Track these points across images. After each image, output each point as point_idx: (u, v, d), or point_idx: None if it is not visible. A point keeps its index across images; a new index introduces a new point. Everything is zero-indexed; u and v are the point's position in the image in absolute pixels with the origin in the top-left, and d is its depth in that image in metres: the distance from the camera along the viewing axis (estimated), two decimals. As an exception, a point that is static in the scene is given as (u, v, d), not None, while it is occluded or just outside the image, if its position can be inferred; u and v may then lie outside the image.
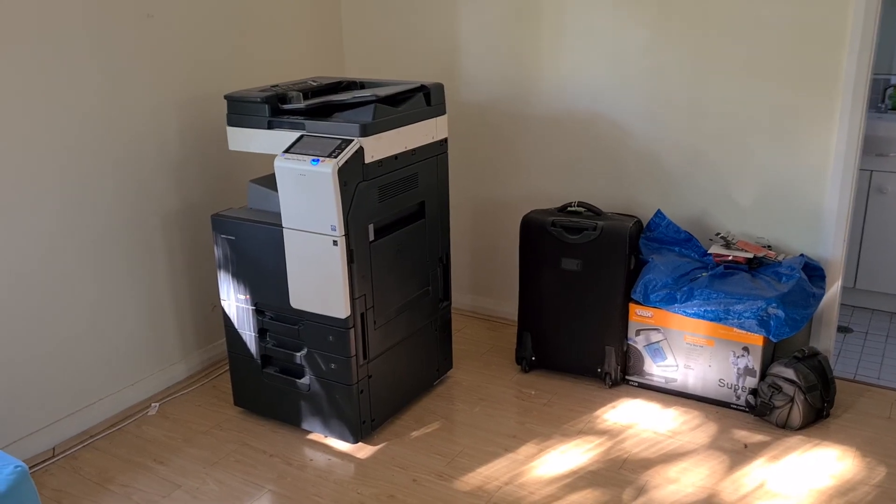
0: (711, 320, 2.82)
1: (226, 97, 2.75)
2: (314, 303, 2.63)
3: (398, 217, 2.78)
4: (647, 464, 2.64)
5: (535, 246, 3.12)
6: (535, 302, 3.18)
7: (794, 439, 2.75)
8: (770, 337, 2.74)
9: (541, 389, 3.14)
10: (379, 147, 2.57)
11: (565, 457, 2.69)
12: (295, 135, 2.60)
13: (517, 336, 3.27)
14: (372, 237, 2.62)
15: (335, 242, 2.50)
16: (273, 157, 2.59)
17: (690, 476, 2.57)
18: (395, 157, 2.67)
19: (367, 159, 2.53)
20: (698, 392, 2.99)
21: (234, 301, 2.83)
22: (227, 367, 3.30)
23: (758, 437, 2.77)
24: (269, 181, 2.83)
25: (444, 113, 2.89)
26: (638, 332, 3.05)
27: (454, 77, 3.53)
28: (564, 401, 3.05)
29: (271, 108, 2.67)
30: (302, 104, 2.68)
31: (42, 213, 2.65)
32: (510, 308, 3.62)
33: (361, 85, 2.99)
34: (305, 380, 2.77)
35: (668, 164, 3.18)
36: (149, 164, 2.99)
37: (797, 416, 2.77)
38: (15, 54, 2.49)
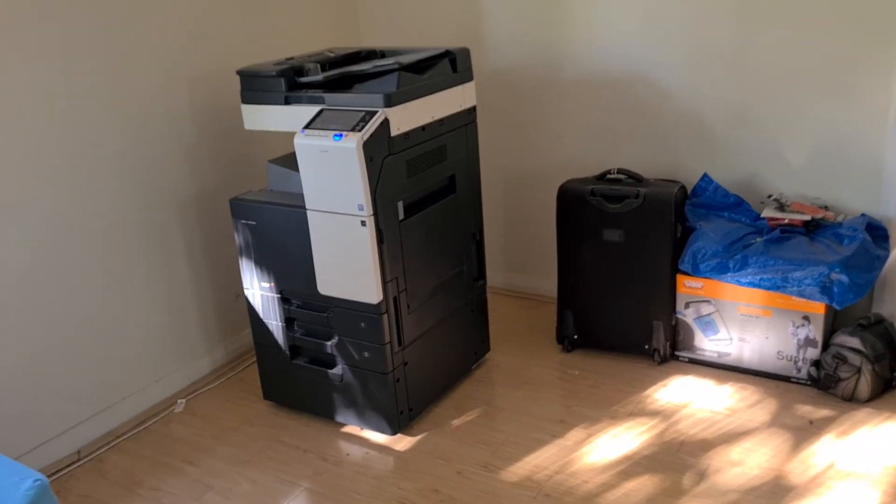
0: (768, 289, 2.63)
1: (238, 73, 2.58)
2: (343, 288, 2.47)
3: (428, 193, 2.61)
4: (706, 445, 2.47)
5: (573, 217, 2.93)
6: (575, 277, 2.99)
7: (863, 413, 2.56)
8: (833, 304, 2.54)
9: (585, 369, 2.96)
10: (405, 118, 2.39)
11: (617, 441, 2.52)
12: (314, 109, 2.42)
13: (557, 314, 3.09)
14: (402, 215, 2.45)
15: (363, 223, 2.33)
16: (292, 134, 2.42)
17: (754, 457, 2.39)
18: (423, 128, 2.48)
19: (394, 132, 2.35)
20: (754, 366, 2.80)
21: (257, 289, 2.68)
22: (254, 360, 3.15)
23: (823, 412, 2.58)
24: (290, 161, 2.66)
25: (471, 79, 2.70)
26: (687, 305, 2.86)
27: (479, 42, 3.32)
28: (611, 381, 2.87)
29: (287, 82, 2.50)
30: (320, 76, 2.50)
31: (50, 206, 2.50)
32: (546, 284, 3.44)
33: (382, 54, 2.80)
34: (337, 370, 2.61)
35: (712, 123, 2.97)
36: (161, 148, 2.82)
37: (865, 387, 2.58)
38: (12, 32, 2.33)
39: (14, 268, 2.41)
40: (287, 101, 2.50)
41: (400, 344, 2.53)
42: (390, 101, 2.32)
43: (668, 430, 2.56)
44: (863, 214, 2.74)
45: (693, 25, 2.89)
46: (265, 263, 2.61)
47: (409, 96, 2.39)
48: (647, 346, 2.93)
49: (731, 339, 2.81)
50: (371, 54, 2.81)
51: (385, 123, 2.31)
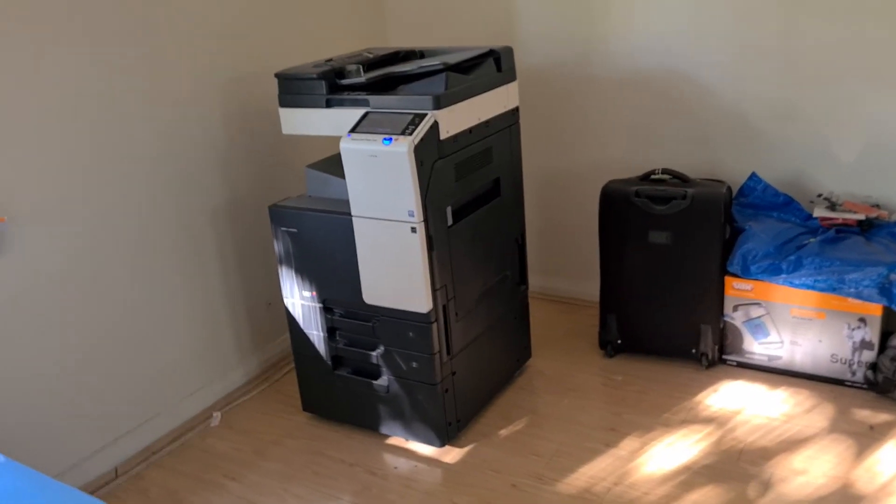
0: (823, 291, 2.56)
1: (277, 75, 2.49)
2: (391, 297, 2.39)
3: (474, 197, 2.53)
4: (767, 453, 2.40)
5: (617, 219, 2.85)
6: (619, 281, 2.92)
7: (924, 417, 2.50)
8: (892, 306, 2.47)
9: (630, 375, 2.89)
10: (453, 120, 2.31)
11: (673, 450, 2.45)
12: (358, 112, 2.34)
13: (600, 318, 3.02)
14: (450, 221, 2.37)
15: (413, 229, 2.25)
16: (330, 138, 2.35)
17: (818, 465, 2.32)
18: (470, 130, 2.41)
19: (443, 135, 2.27)
20: (807, 370, 2.73)
21: (298, 299, 2.59)
22: (288, 370, 3.09)
23: (883, 417, 2.51)
24: (329, 165, 2.58)
25: (514, 79, 2.63)
26: (736, 308, 2.79)
27: (511, 40, 3.24)
28: (659, 386, 2.80)
29: (328, 84, 2.42)
30: (362, 78, 2.42)
31: (81, 216, 2.41)
32: (583, 288, 3.37)
33: (421, 54, 2.72)
34: (383, 380, 2.53)
35: (756, 121, 2.89)
36: (194, 154, 2.74)
37: (926, 391, 2.51)
38: (43, 39, 2.24)
39: (49, 279, 2.33)
40: (328, 105, 2.41)
41: (449, 353, 2.45)
42: (439, 103, 2.24)
43: (725, 437, 2.49)
44: (920, 213, 2.67)
45: (738, 19, 2.82)
46: (306, 272, 2.53)
47: (457, 98, 2.32)
48: (693, 351, 2.86)
49: (782, 343, 2.74)
50: (410, 55, 2.73)
51: (434, 126, 2.23)
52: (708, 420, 2.58)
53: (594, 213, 3.12)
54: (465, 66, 2.42)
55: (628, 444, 2.50)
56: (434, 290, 2.34)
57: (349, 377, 2.60)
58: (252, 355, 3.07)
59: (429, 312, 2.35)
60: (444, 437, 2.51)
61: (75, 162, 2.37)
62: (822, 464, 2.33)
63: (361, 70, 2.45)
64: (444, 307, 2.39)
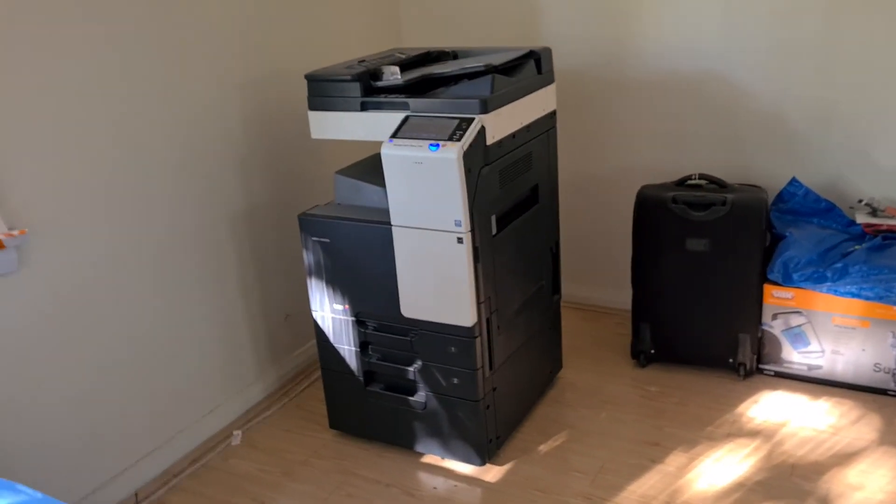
0: (871, 300, 2.50)
1: (307, 77, 2.36)
2: (432, 310, 2.28)
3: (514, 204, 2.42)
4: (820, 468, 2.32)
5: (653, 226, 2.77)
6: (654, 289, 2.83)
7: (973, 427, 2.45)
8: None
9: (665, 385, 2.81)
10: (499, 125, 2.21)
11: (723, 465, 2.37)
12: (397, 116, 2.22)
13: (633, 328, 2.93)
14: (495, 230, 2.26)
15: (459, 240, 2.14)
16: (355, 143, 2.26)
17: (873, 480, 2.26)
18: (513, 135, 2.30)
19: (489, 140, 2.16)
20: (848, 379, 2.67)
21: (328, 311, 2.47)
22: (308, 384, 2.97)
23: (932, 428, 2.46)
24: (359, 171, 2.47)
25: (553, 81, 2.53)
26: (775, 316, 2.72)
27: (537, 41, 3.14)
28: (698, 398, 2.72)
29: (363, 86, 2.29)
30: (400, 79, 2.30)
31: (103, 227, 2.27)
32: (608, 295, 3.28)
33: (454, 55, 2.61)
34: (420, 397, 2.42)
35: (793, 124, 2.82)
36: (214, 161, 2.60)
37: (975, 401, 2.46)
38: (63, 45, 2.09)
39: (69, 295, 2.18)
40: (363, 108, 2.29)
41: (491, 368, 2.35)
42: (486, 107, 2.13)
43: (774, 451, 2.41)
44: (965, 219, 2.62)
45: (774, 18, 2.74)
46: (339, 284, 2.41)
47: (502, 101, 2.21)
48: (731, 360, 2.78)
49: (822, 352, 2.68)
50: (442, 55, 2.62)
51: (482, 131, 2.12)
52: (753, 433, 2.51)
53: (622, 219, 3.04)
54: (508, 68, 2.31)
55: (674, 459, 2.41)
56: (478, 303, 2.23)
57: (382, 393, 2.48)
58: (270, 369, 2.94)
59: (473, 326, 2.24)
60: (485, 455, 2.40)
61: (97, 171, 2.22)
62: (877, 478, 2.26)
63: (399, 71, 2.33)
64: (488, 320, 2.29)
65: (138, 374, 2.41)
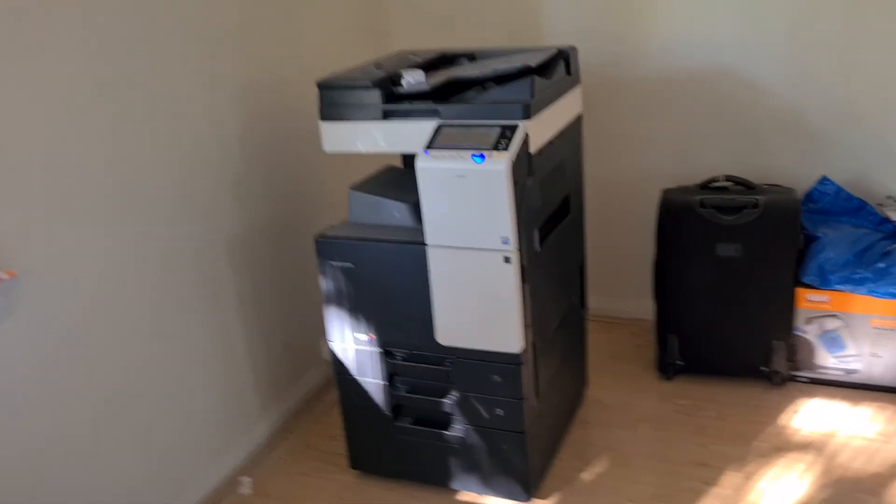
0: (915, 300, 2.41)
1: (320, 85, 2.13)
2: (473, 336, 2.07)
3: (548, 217, 2.24)
4: (881, 481, 2.22)
5: (680, 231, 2.62)
6: (682, 298, 2.69)
7: None
8: None
9: (698, 399, 2.67)
10: (540, 131, 2.03)
11: (782, 484, 2.23)
12: (425, 125, 2.01)
13: (658, 340, 2.78)
14: (538, 246, 2.07)
15: (507, 259, 1.95)
16: (362, 156, 2.10)
17: (939, 490, 2.16)
18: (551, 142, 2.12)
19: (532, 148, 1.97)
20: (887, 382, 2.58)
21: (350, 342, 2.24)
22: (313, 419, 2.72)
23: (982, 429, 2.38)
24: (376, 186, 2.26)
25: (579, 82, 2.36)
26: (809, 321, 2.61)
27: (538, 40, 2.97)
28: (735, 410, 2.59)
29: (385, 93, 2.07)
30: (426, 84, 2.09)
31: (96, 265, 1.99)
32: (622, 305, 3.13)
33: (472, 56, 2.41)
34: (456, 430, 2.21)
35: (815, 121, 2.72)
36: (211, 181, 2.34)
37: None
38: (49, 63, 1.81)
39: (60, 341, 1.90)
40: (386, 116, 2.07)
41: (537, 396, 2.16)
42: (529, 112, 1.94)
43: (831, 465, 2.29)
44: None
45: (794, 13, 2.64)
46: (363, 312, 2.18)
47: (542, 105, 2.03)
48: (764, 368, 2.67)
49: (860, 355, 2.58)
50: (456, 58, 2.41)
51: (526, 139, 1.93)
52: (804, 446, 2.38)
53: (637, 225, 2.92)
54: (542, 70, 2.13)
55: (729, 480, 2.27)
56: (525, 328, 2.04)
57: (412, 428, 2.27)
58: (272, 406, 2.68)
59: (520, 353, 2.04)
60: (529, 489, 2.21)
61: (90, 205, 1.94)
62: (943, 488, 2.17)
63: (423, 76, 2.11)
64: (534, 345, 2.10)
65: (136, 421, 2.13)
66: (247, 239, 2.49)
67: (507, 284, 1.97)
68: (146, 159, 2.09)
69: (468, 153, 1.90)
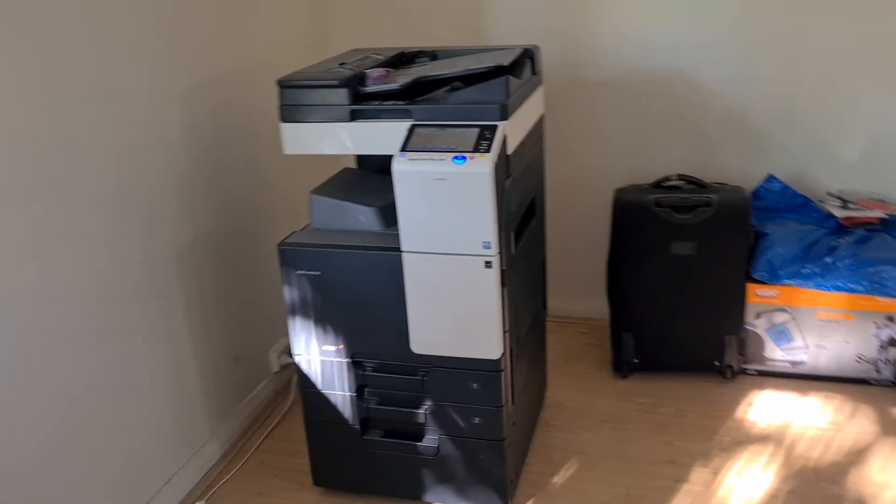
0: (859, 292, 2.51)
1: (280, 83, 2.01)
2: (450, 344, 2.01)
3: (520, 219, 2.19)
4: (840, 469, 2.29)
5: (636, 231, 2.64)
6: (637, 297, 2.71)
7: (959, 409, 2.51)
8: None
9: (655, 396, 2.70)
10: (515, 132, 1.98)
11: (747, 478, 2.28)
12: (396, 126, 1.93)
13: (613, 339, 2.80)
14: (514, 248, 2.03)
15: (488, 263, 1.89)
16: (317, 158, 2.04)
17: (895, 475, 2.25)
18: (522, 142, 2.08)
19: (509, 149, 1.93)
20: (831, 372, 2.68)
21: (316, 355, 2.13)
22: (265, 435, 2.59)
23: (923, 414, 2.51)
24: (338, 190, 2.17)
25: (542, 82, 2.33)
26: (758, 315, 2.68)
27: (483, 39, 2.93)
28: (693, 406, 2.63)
29: (352, 93, 1.98)
30: (395, 84, 2.01)
31: (28, 282, 1.80)
32: (569, 305, 3.14)
33: (434, 55, 2.34)
34: (430, 441, 2.14)
35: (759, 121, 2.80)
36: (156, 186, 2.18)
37: (958, 383, 2.53)
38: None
39: None
40: (353, 117, 1.98)
41: (514, 402, 2.11)
42: (506, 113, 1.89)
43: (790, 456, 2.36)
44: (932, 207, 2.70)
45: (740, 16, 2.70)
46: (331, 322, 2.08)
47: (516, 105, 1.98)
48: (717, 363, 2.72)
49: (806, 347, 2.67)
50: (417, 56, 2.34)
51: (504, 140, 1.88)
52: (762, 438, 2.44)
53: (585, 224, 2.95)
54: (514, 69, 2.08)
55: (697, 476, 2.30)
56: (504, 332, 1.99)
57: (382, 441, 2.18)
58: (222, 423, 2.53)
59: (499, 359, 1.99)
60: (507, 497, 2.17)
61: (20, 215, 1.76)
62: (897, 473, 2.26)
63: (392, 75, 2.03)
64: (512, 351, 2.05)
65: (79, 449, 1.95)
66: (194, 246, 2.33)
67: (487, 290, 1.91)
68: (84, 163, 1.92)
69: (448, 155, 1.83)
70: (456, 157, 1.82)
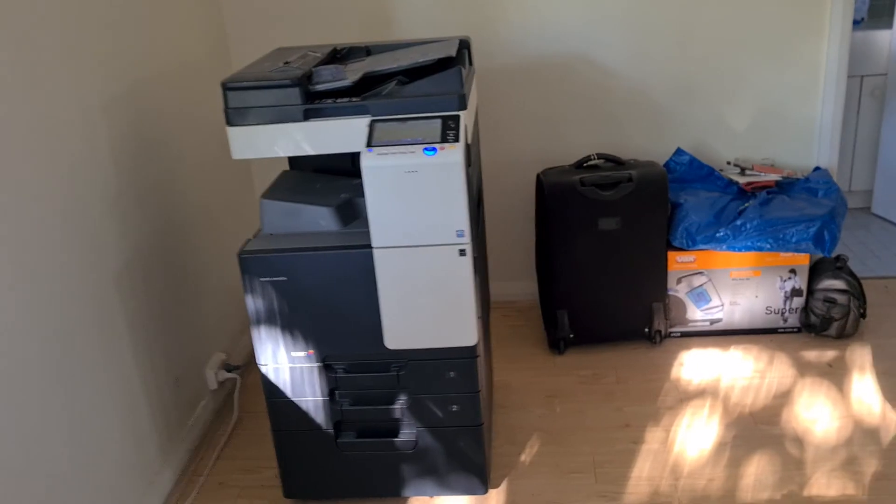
0: (769, 250, 2.74)
1: (226, 85, 1.94)
2: (426, 336, 2.02)
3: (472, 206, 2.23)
4: (773, 411, 2.51)
5: (564, 211, 2.75)
6: (568, 274, 2.82)
7: (860, 345, 2.80)
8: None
9: (594, 368, 2.82)
10: (469, 122, 2.01)
11: (697, 431, 2.44)
12: (353, 123, 1.92)
13: (547, 317, 2.91)
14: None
15: (462, 252, 1.92)
16: (243, 163, 1.97)
17: (821, 409, 2.49)
18: (472, 131, 2.12)
19: (469, 138, 1.96)
20: (745, 325, 2.91)
21: (284, 363, 2.08)
22: (216, 455, 2.49)
23: (829, 354, 2.79)
24: (288, 193, 2.13)
25: (475, 72, 2.38)
26: (679, 281, 2.87)
27: (389, 31, 2.94)
28: (631, 373, 2.78)
29: (303, 91, 1.94)
30: (347, 81, 1.98)
31: None
32: (494, 289, 3.21)
33: (368, 50, 2.33)
34: (407, 435, 2.14)
35: (658, 99, 3.00)
36: (90, 203, 2.03)
37: (854, 323, 2.82)
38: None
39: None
40: (307, 117, 1.94)
41: (488, 386, 2.15)
42: (464, 102, 1.93)
43: (727, 406, 2.55)
44: (817, 168, 2.99)
45: (637, 6, 2.87)
46: (299, 327, 2.03)
47: (467, 95, 2.01)
48: (647, 330, 2.89)
49: (722, 305, 2.89)
50: (352, 52, 2.32)
51: (465, 130, 1.92)
52: (699, 393, 2.62)
53: (501, 209, 3.02)
54: (458, 60, 2.12)
55: (652, 436, 2.44)
56: (477, 319, 2.03)
57: (357, 442, 2.16)
58: (172, 448, 2.40)
59: (475, 345, 2.03)
60: (486, 480, 2.21)
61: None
62: (821, 408, 2.50)
63: (343, 72, 2.00)
64: (485, 335, 2.09)
65: (29, 496, 1.80)
66: (131, 265, 2.20)
67: (462, 278, 1.94)
68: (18, 189, 1.76)
69: (417, 147, 1.84)
70: (426, 149, 1.83)
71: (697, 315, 2.91)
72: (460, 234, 1.90)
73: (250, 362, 2.99)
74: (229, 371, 2.72)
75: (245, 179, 3.12)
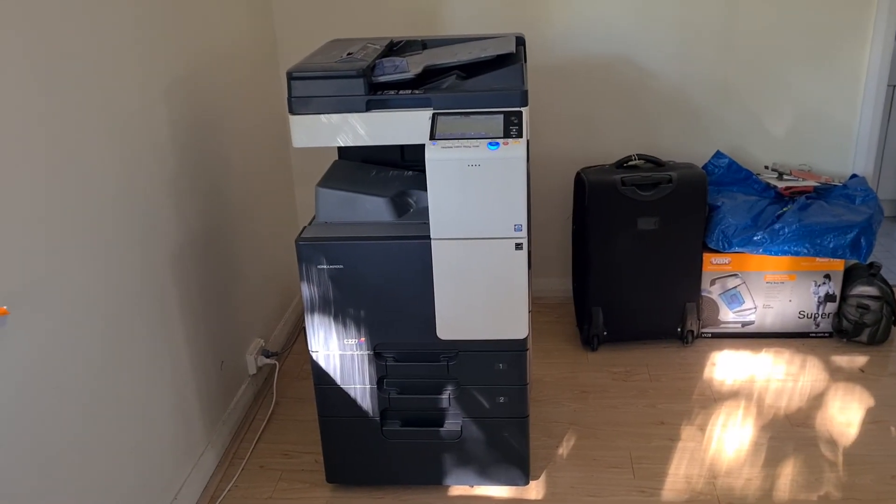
0: (805, 255, 2.77)
1: (291, 75, 1.96)
2: (478, 328, 2.05)
3: (521, 202, 2.26)
4: (808, 413, 2.54)
5: (604, 209, 2.78)
6: (605, 272, 2.85)
7: (892, 350, 2.84)
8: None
9: (627, 365, 2.86)
10: (528, 118, 2.04)
11: (733, 431, 2.47)
12: (416, 115, 1.94)
13: (582, 314, 2.94)
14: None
15: (518, 246, 1.95)
16: (329, 150, 2.07)
17: (853, 414, 2.53)
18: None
19: (529, 134, 1.99)
20: (777, 329, 2.94)
21: (335, 350, 2.10)
22: (256, 438, 2.52)
23: (861, 359, 2.82)
24: (343, 183, 2.16)
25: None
26: (713, 282, 2.90)
27: (435, 29, 2.97)
28: (664, 370, 2.81)
29: (367, 82, 1.96)
30: (409, 73, 2.01)
31: (48, 300, 1.68)
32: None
33: (423, 45, 2.35)
34: (452, 425, 2.17)
35: (698, 101, 3.02)
36: (149, 187, 2.06)
37: (886, 329, 2.85)
38: None
39: (13, 395, 1.58)
40: (369, 108, 1.96)
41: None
42: (526, 99, 1.95)
43: (764, 407, 2.58)
44: (854, 175, 3.01)
45: (679, 8, 2.89)
46: (353, 315, 2.06)
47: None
48: (679, 329, 2.92)
49: (755, 308, 2.92)
50: (410, 44, 2.34)
51: (527, 126, 1.94)
52: (733, 394, 2.65)
53: (539, 206, 3.04)
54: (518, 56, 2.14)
55: (688, 434, 2.47)
56: (528, 312, 2.06)
57: (403, 430, 2.19)
58: (215, 429, 2.44)
59: (525, 338, 2.06)
60: (528, 472, 2.24)
61: (35, 229, 1.63)
62: (855, 412, 2.53)
63: (406, 64, 2.03)
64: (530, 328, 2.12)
65: (84, 474, 1.82)
66: (185, 249, 2.23)
67: (518, 271, 1.97)
68: (84, 167, 1.79)
69: (481, 142, 1.86)
70: (490, 144, 1.86)
71: (730, 317, 2.94)
72: (518, 229, 1.92)
73: (286, 349, 3.02)
74: (267, 357, 2.75)
75: (285, 167, 3.15)
